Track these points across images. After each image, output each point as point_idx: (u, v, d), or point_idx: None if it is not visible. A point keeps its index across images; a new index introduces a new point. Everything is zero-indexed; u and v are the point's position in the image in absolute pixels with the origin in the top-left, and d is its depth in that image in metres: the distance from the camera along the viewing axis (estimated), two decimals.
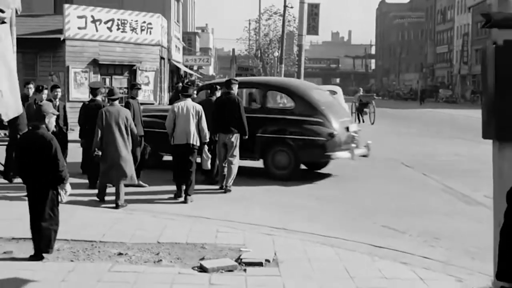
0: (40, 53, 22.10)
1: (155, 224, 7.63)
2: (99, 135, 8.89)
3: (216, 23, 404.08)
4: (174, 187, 9.69)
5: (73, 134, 11.88)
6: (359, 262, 6.13)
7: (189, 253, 6.36)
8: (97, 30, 22.77)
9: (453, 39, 77.51)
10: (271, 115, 11.48)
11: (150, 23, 24.27)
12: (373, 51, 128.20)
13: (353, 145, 11.61)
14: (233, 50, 57.53)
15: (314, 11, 26.28)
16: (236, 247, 6.52)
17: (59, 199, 6.11)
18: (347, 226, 7.88)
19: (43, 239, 6.00)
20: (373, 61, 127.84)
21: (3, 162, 10.63)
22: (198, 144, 9.49)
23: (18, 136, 9.82)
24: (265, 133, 11.30)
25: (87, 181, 10.21)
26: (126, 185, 9.03)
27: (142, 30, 24.02)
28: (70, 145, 11.08)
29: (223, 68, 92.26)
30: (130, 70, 23.91)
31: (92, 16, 22.68)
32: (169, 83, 30.79)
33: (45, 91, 10.85)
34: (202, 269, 5.76)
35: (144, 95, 22.41)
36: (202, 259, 6.09)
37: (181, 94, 9.97)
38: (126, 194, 9.07)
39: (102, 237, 6.86)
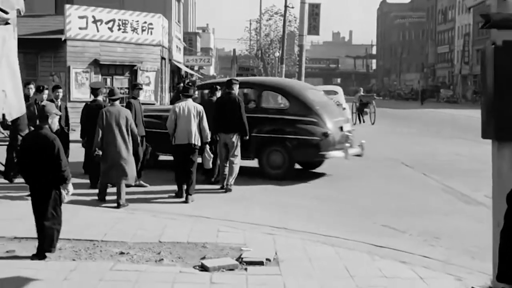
0: (41, 53, 22.15)
1: (156, 223, 7.66)
2: (100, 135, 8.94)
3: (217, 23, 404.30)
4: (174, 187, 9.75)
5: (75, 134, 11.92)
6: (359, 261, 6.16)
7: (190, 252, 6.40)
8: (98, 31, 22.82)
9: (454, 39, 77.51)
10: (266, 115, 11.51)
11: (151, 24, 24.32)
12: (374, 51, 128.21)
13: (347, 144, 11.70)
14: (234, 50, 57.64)
15: (315, 11, 26.32)
16: (237, 247, 6.55)
17: (61, 199, 6.15)
18: (347, 226, 7.92)
19: (46, 238, 6.05)
20: (374, 61, 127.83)
21: (3, 162, 10.66)
22: (199, 144, 9.54)
23: (19, 136, 9.90)
24: (260, 132, 11.34)
25: (88, 181, 10.25)
26: (127, 185, 9.08)
27: (143, 30, 24.06)
28: (71, 145, 11.12)
29: (224, 68, 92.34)
30: (131, 70, 23.95)
31: (93, 17, 22.72)
32: (170, 83, 30.83)
33: (46, 91, 10.88)
34: (203, 268, 5.79)
35: (145, 95, 22.44)
36: (203, 258, 6.12)
37: (182, 94, 10.01)
38: (127, 194, 9.11)
39: (104, 237, 6.90)
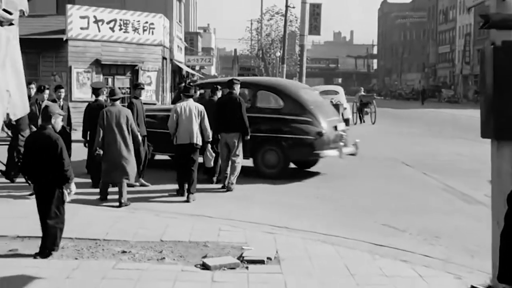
0: (42, 53, 22.22)
1: (158, 222, 7.71)
2: (101, 135, 9.00)
3: (218, 23, 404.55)
4: (176, 186, 9.81)
5: (76, 133, 11.97)
6: (359, 260, 6.20)
7: (191, 251, 6.44)
8: (99, 31, 22.88)
9: (455, 39, 77.51)
10: (261, 115, 11.53)
11: (152, 23, 24.37)
12: (375, 51, 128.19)
13: (341, 143, 11.76)
14: (235, 50, 57.67)
15: (316, 11, 26.36)
16: (238, 245, 6.59)
17: (64, 198, 6.20)
18: (347, 225, 7.95)
19: (49, 237, 6.10)
20: (375, 61, 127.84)
21: (4, 162, 10.70)
22: (201, 143, 9.61)
23: (19, 135, 9.94)
24: (255, 132, 11.36)
25: (90, 180, 10.30)
26: (129, 185, 9.13)
27: (144, 30, 24.12)
28: (73, 145, 11.16)
29: (225, 68, 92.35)
30: (132, 70, 24.02)
31: (95, 17, 22.79)
32: (171, 83, 30.88)
33: (47, 91, 10.93)
34: (205, 266, 5.83)
35: (146, 95, 22.52)
36: (205, 257, 6.16)
37: (183, 94, 10.06)
38: (129, 193, 9.17)
39: (106, 236, 6.94)
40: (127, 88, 23.48)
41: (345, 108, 24.60)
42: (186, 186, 9.48)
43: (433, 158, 15.17)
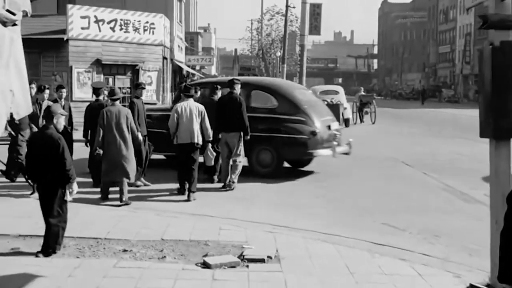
0: (43, 53, 22.27)
1: (159, 222, 7.75)
2: (101, 134, 9.05)
3: (218, 23, 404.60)
4: (176, 185, 9.88)
5: (78, 133, 12.01)
6: (359, 258, 6.23)
7: (192, 250, 6.48)
8: (100, 30, 22.93)
9: (455, 39, 77.54)
10: (255, 114, 11.56)
11: (152, 23, 24.42)
12: (375, 51, 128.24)
13: (334, 143, 11.82)
14: (236, 50, 57.67)
15: (316, 11, 26.41)
16: (238, 244, 6.63)
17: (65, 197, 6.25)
18: (347, 224, 7.99)
19: (51, 235, 6.15)
20: (375, 61, 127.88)
21: (4, 161, 10.74)
22: (201, 142, 9.67)
23: (19, 135, 9.97)
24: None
25: (91, 179, 10.35)
26: (129, 184, 9.18)
27: (144, 30, 24.17)
28: (75, 144, 11.20)
29: (226, 68, 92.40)
30: (133, 70, 24.07)
31: (95, 16, 22.84)
32: (172, 83, 30.93)
33: (47, 91, 10.98)
34: (206, 265, 5.87)
35: (147, 95, 22.56)
36: (206, 255, 6.20)
37: (183, 94, 10.12)
38: (130, 192, 9.22)
39: (107, 235, 6.98)
40: (128, 88, 23.55)
41: (345, 108, 24.67)
42: (187, 185, 9.53)
43: (433, 158, 15.20)
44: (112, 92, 9.59)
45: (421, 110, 43.97)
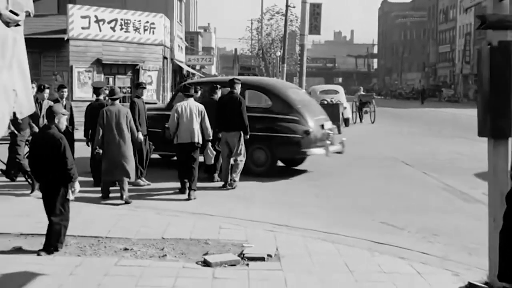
0: (44, 53, 22.32)
1: (159, 220, 7.79)
2: (101, 134, 9.10)
3: (218, 23, 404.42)
4: (177, 184, 9.94)
5: (79, 133, 12.05)
6: (358, 257, 6.27)
7: (193, 248, 6.52)
8: (100, 30, 22.98)
9: (455, 38, 77.58)
10: (249, 114, 11.56)
11: (153, 23, 24.47)
12: (375, 50, 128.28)
13: (328, 142, 11.89)
14: (236, 49, 57.66)
15: (316, 10, 26.44)
16: (238, 243, 6.67)
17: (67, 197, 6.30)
18: (347, 223, 8.03)
19: (53, 234, 6.20)
20: (375, 60, 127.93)
21: (4, 160, 10.78)
22: (201, 142, 9.72)
23: (19, 134, 10.00)
24: None
25: (92, 178, 10.39)
26: (134, 184, 9.24)
27: (145, 30, 24.22)
28: (76, 144, 11.24)
29: (226, 68, 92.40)
30: (133, 69, 24.12)
31: (96, 16, 22.89)
32: (172, 83, 30.98)
33: (47, 90, 11.01)
34: (206, 263, 5.91)
35: (147, 94, 22.61)
36: (206, 254, 6.24)
37: (183, 94, 10.17)
38: (130, 191, 9.27)
39: (108, 233, 7.02)
40: (128, 87, 23.59)
41: (345, 108, 24.71)
42: (187, 184, 9.58)
43: (433, 158, 15.24)
44: (112, 92, 9.64)
45: (421, 109, 44.01)
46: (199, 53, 46.66)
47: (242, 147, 10.59)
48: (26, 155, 10.70)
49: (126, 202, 8.86)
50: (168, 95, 27.74)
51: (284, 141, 11.52)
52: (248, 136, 10.65)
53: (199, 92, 11.40)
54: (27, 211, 8.06)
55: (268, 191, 10.35)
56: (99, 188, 9.50)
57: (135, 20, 23.92)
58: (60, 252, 6.23)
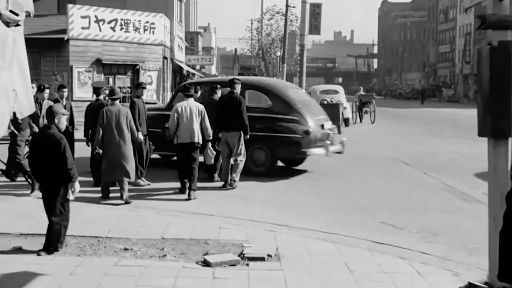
0: (44, 53, 22.32)
1: (159, 220, 7.79)
2: (100, 133, 9.11)
3: (218, 23, 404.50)
4: (177, 185, 9.94)
5: (79, 133, 12.06)
6: (358, 257, 6.27)
7: (193, 248, 6.52)
8: (100, 30, 22.98)
9: (455, 38, 77.59)
10: (249, 114, 11.56)
11: (153, 23, 24.48)
12: (375, 50, 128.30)
13: (327, 142, 11.90)
14: (236, 49, 57.67)
15: (316, 10, 26.45)
16: (238, 243, 6.67)
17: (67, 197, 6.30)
18: (347, 223, 8.03)
19: (53, 234, 6.20)
20: (375, 60, 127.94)
21: (4, 160, 10.78)
22: (201, 142, 9.73)
23: (19, 134, 10.01)
24: None
25: (92, 179, 10.39)
26: (134, 184, 9.24)
27: (145, 30, 24.22)
28: (76, 144, 11.24)
29: (226, 68, 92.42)
30: (133, 69, 24.12)
31: (96, 16, 22.89)
32: (172, 83, 30.98)
33: (47, 90, 11.02)
34: (206, 263, 5.91)
35: (147, 94, 22.62)
36: (206, 254, 6.24)
37: (183, 94, 10.18)
38: (130, 191, 9.27)
39: (108, 233, 7.02)
40: (128, 87, 23.60)
41: (345, 108, 24.72)
42: (187, 184, 9.58)
43: (433, 158, 15.24)
44: (112, 92, 9.65)
45: (421, 109, 44.02)
46: (199, 53, 46.67)
47: (242, 147, 10.61)
48: (26, 155, 10.72)
49: (126, 202, 8.87)
50: (168, 95, 27.74)
51: (284, 141, 11.53)
52: (248, 136, 10.66)
53: (199, 92, 11.40)
54: (27, 211, 8.07)
55: (268, 191, 10.35)
56: (99, 188, 9.50)
57: (135, 20, 23.93)
58: (60, 252, 6.23)
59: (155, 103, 22.31)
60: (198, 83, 13.54)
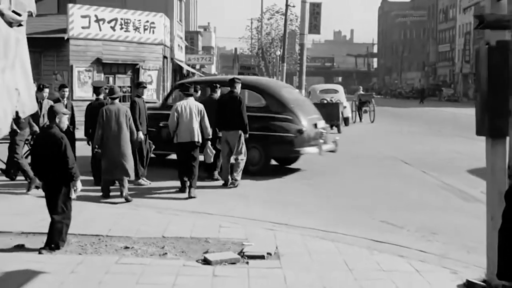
0: (44, 53, 22.33)
1: (160, 219, 7.83)
2: (100, 132, 9.14)
3: (218, 22, 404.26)
4: (177, 183, 9.98)
5: (80, 132, 12.11)
6: (358, 255, 6.31)
7: (193, 246, 6.56)
8: (100, 30, 23.00)
9: (455, 37, 77.59)
10: None
11: (153, 23, 24.50)
12: (375, 49, 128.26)
13: (321, 141, 11.97)
14: (235, 49, 57.71)
15: (316, 10, 26.51)
16: (238, 241, 6.71)
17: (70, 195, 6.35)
18: (346, 222, 8.07)
19: (54, 232, 6.24)
20: (375, 59, 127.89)
21: (4, 160, 10.82)
22: (201, 140, 9.78)
23: (19, 133, 10.05)
24: None
25: (92, 178, 10.43)
26: (136, 184, 9.28)
27: (145, 29, 24.25)
28: (77, 143, 11.28)
29: (226, 67, 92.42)
30: (133, 69, 24.15)
31: (96, 16, 22.91)
32: (172, 82, 31.00)
33: (46, 90, 11.05)
34: (206, 261, 5.95)
35: (147, 94, 22.64)
36: (206, 252, 6.28)
37: (183, 93, 10.22)
38: (131, 190, 9.31)
39: (109, 232, 7.06)
40: (128, 87, 23.63)
41: (345, 107, 24.76)
42: (188, 183, 9.62)
43: (432, 157, 15.27)
44: (111, 91, 9.68)
45: (420, 109, 44.05)
46: (199, 53, 46.67)
47: (243, 146, 10.65)
48: (26, 155, 10.76)
49: (126, 199, 8.92)
50: None
51: (278, 140, 11.60)
52: (247, 135, 10.70)
53: (199, 92, 11.44)
54: (27, 210, 8.11)
55: (267, 190, 10.39)
56: (100, 187, 9.53)
57: (135, 19, 23.95)
58: (61, 250, 6.27)
59: (155, 103, 22.34)
60: (194, 82, 13.56)
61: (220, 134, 10.74)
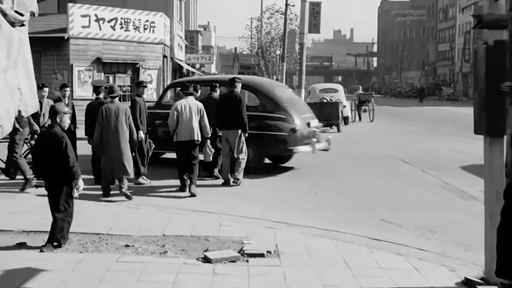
0: (44, 52, 22.38)
1: (160, 218, 7.87)
2: (99, 131, 9.18)
3: (218, 21, 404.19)
4: (177, 182, 10.01)
5: (81, 131, 12.14)
6: (357, 253, 6.35)
7: (193, 245, 6.60)
8: (100, 29, 23.04)
9: (455, 37, 77.61)
10: None
11: (153, 22, 24.54)
12: (375, 49, 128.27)
13: (314, 139, 12.04)
14: (235, 48, 57.76)
15: (315, 9, 26.50)
16: (238, 240, 6.75)
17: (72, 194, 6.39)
18: (346, 220, 8.11)
19: (56, 230, 6.28)
20: (375, 59, 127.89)
21: (4, 159, 10.84)
22: (200, 139, 9.82)
23: (19, 132, 10.08)
24: None
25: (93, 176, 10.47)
26: (136, 183, 9.31)
27: (145, 28, 24.29)
28: (78, 142, 11.31)
29: (225, 66, 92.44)
30: (133, 68, 24.19)
31: (96, 15, 22.95)
32: (172, 81, 31.04)
33: (46, 89, 11.08)
34: (206, 260, 5.99)
35: (147, 93, 22.64)
36: (206, 250, 6.32)
37: (182, 92, 10.26)
38: (131, 189, 9.35)
39: (109, 230, 7.10)
40: (128, 86, 23.67)
41: (344, 106, 24.81)
42: (188, 182, 9.67)
43: (432, 156, 15.31)
44: (111, 90, 9.72)
45: (420, 108, 44.08)
46: (199, 52, 46.70)
47: (243, 145, 10.69)
48: (25, 154, 10.80)
49: (127, 197, 8.96)
50: (168, 94, 27.77)
51: (271, 139, 11.68)
52: (247, 134, 10.75)
53: (199, 91, 11.48)
54: (28, 209, 8.15)
55: (268, 189, 10.43)
56: (100, 186, 9.57)
57: (135, 19, 23.99)
58: (63, 248, 6.31)
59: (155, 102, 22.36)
60: (190, 82, 13.59)
61: (220, 133, 10.79)
